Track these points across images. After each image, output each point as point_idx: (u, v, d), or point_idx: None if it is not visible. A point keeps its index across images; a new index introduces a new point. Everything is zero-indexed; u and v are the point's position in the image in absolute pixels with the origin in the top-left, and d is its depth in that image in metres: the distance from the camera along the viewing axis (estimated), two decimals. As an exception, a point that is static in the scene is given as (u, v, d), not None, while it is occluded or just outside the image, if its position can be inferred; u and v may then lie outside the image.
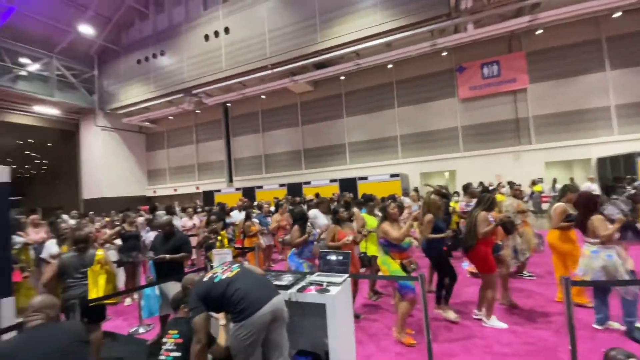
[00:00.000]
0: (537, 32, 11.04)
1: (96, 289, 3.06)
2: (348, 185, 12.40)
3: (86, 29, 15.20)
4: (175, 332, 2.23)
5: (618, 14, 10.08)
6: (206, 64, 13.93)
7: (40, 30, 14.79)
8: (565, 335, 2.38)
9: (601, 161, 10.59)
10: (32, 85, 14.82)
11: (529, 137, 11.65)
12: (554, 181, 10.72)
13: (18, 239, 5.00)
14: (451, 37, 10.57)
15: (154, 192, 19.60)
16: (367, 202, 5.11)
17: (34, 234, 5.48)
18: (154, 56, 15.46)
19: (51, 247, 4.65)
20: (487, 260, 3.54)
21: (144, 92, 15.71)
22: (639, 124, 10.37)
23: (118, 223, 6.19)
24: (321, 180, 13.72)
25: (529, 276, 4.94)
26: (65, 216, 9.55)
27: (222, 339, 2.25)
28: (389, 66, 13.29)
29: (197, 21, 14.45)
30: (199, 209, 8.96)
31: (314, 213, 5.28)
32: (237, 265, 2.36)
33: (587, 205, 3.36)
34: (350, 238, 3.77)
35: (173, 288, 3.70)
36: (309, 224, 4.55)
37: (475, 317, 3.69)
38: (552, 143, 11.32)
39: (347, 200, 7.32)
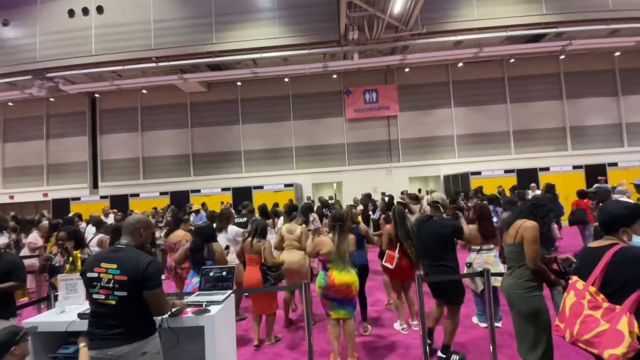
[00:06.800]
0: (406, 70, 13.32)
1: None
2: (242, 194, 12.01)
3: None
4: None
5: (461, 64, 13.09)
6: (69, 44, 11.43)
7: None
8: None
9: (446, 178, 13.40)
10: None
11: (398, 156, 13.80)
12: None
13: None
14: (340, 62, 11.70)
15: (-22, 198, 14.69)
16: (292, 211, 4.67)
17: None
18: (-8, 24, 11.81)
19: None
20: None
21: (-29, 68, 11.77)
22: (472, 150, 13.60)
23: None
24: (212, 189, 12.90)
25: None
26: None
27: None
28: (286, 80, 13.70)
29: (57, -9, 11.79)
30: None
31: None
32: None
33: (487, 214, 3.76)
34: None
35: (-5, 328, 2.82)
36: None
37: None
38: (414, 162, 13.73)
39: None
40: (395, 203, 4.30)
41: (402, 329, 3.81)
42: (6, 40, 11.88)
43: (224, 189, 12.70)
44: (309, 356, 2.96)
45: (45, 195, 14.24)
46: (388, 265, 3.72)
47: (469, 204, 7.37)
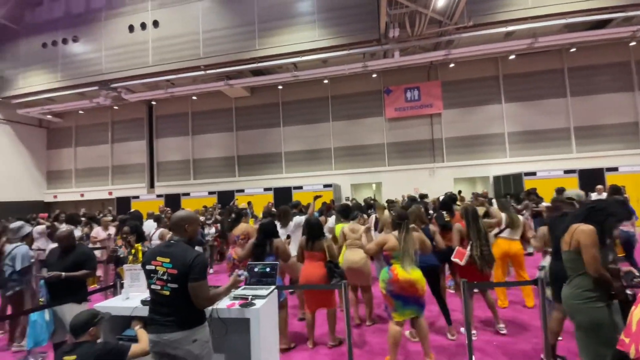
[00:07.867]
0: (451, 65, 12.71)
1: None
2: (283, 194, 12.35)
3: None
4: (73, 357, 1.96)
5: (513, 57, 12.17)
6: (129, 57, 12.66)
7: None
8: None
9: (496, 179, 12.53)
10: None
11: (442, 155, 13.21)
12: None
13: None
14: (380, 61, 11.51)
15: (55, 196, 16.79)
16: (345, 211, 4.76)
17: None
18: (65, 41, 13.48)
19: None
20: None
21: (49, 81, 13.53)
22: (525, 149, 12.59)
23: None
24: (255, 189, 13.43)
25: None
26: None
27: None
28: (325, 81, 13.81)
29: (120, 9, 13.09)
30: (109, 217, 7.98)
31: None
32: None
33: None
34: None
35: (70, 311, 3.20)
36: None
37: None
38: (460, 162, 13.03)
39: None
40: (470, 202, 4.17)
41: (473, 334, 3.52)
42: (76, 55, 13.46)
43: (266, 189, 13.15)
44: (348, 357, 2.96)
45: (110, 193, 15.87)
46: (457, 260, 3.63)
47: (519, 207, 6.85)
